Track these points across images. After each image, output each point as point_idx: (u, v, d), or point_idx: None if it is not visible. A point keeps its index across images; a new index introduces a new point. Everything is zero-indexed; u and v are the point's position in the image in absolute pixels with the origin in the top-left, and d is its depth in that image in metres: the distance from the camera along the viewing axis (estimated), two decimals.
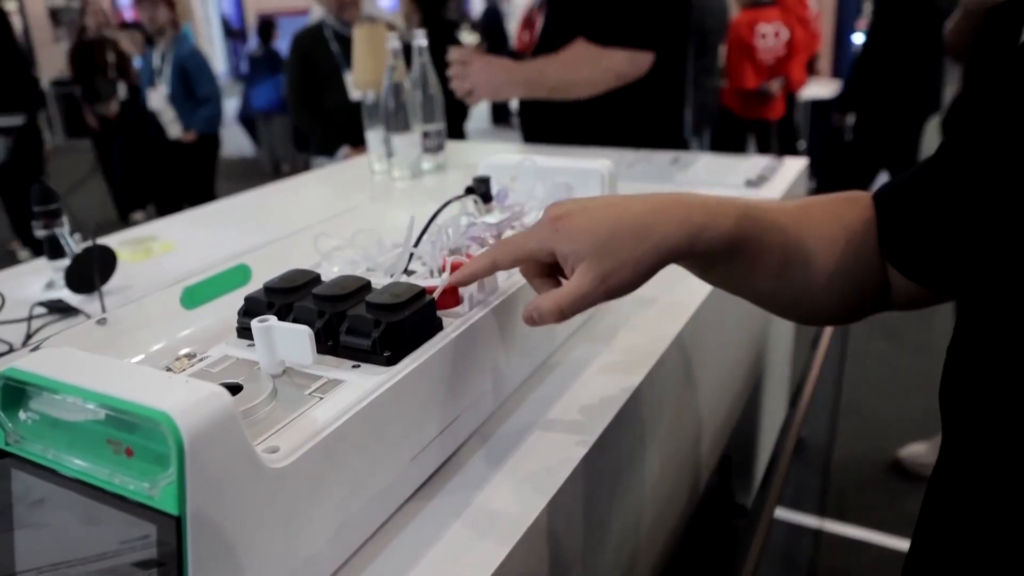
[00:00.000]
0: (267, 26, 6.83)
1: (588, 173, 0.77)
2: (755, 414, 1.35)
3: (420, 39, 1.43)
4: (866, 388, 2.70)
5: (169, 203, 4.05)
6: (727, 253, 0.53)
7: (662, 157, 1.52)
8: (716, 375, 0.98)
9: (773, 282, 0.56)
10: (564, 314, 0.51)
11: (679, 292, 0.86)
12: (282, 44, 6.84)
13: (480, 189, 0.75)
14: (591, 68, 1.62)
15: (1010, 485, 0.38)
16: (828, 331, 1.12)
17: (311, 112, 2.80)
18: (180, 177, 4.07)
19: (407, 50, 1.43)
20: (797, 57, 4.09)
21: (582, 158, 0.80)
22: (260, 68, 6.53)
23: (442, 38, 2.76)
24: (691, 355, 0.84)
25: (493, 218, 0.69)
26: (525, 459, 0.56)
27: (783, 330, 1.51)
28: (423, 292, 0.51)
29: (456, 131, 2.85)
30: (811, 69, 5.47)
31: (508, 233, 0.67)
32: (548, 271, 0.55)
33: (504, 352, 0.60)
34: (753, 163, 1.44)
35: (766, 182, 1.33)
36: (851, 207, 0.58)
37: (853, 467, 2.26)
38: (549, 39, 1.73)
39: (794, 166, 1.44)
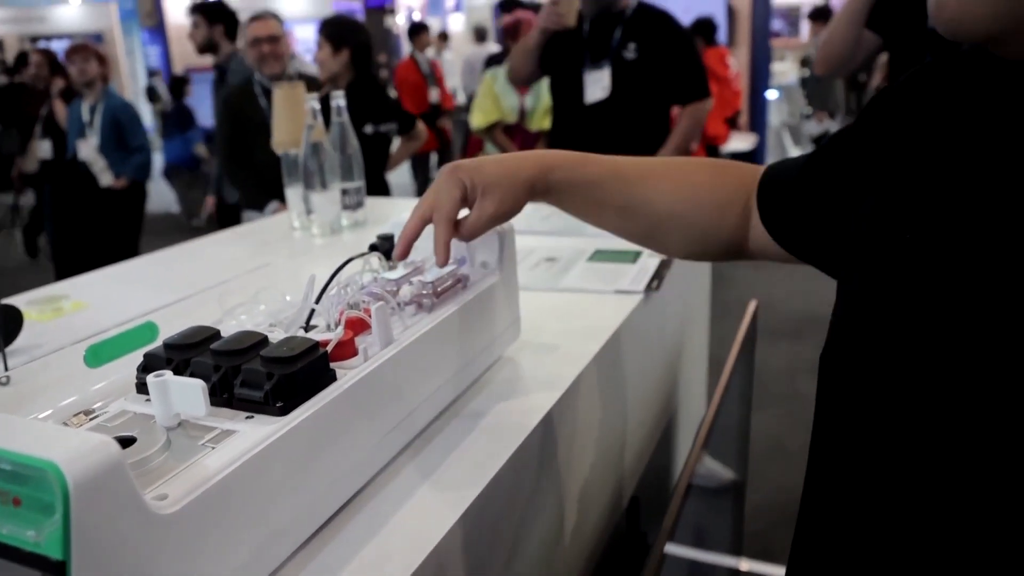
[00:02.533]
0: (178, 82, 6.84)
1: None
2: (668, 454, 1.40)
3: (339, 99, 1.47)
4: (788, 425, 2.79)
5: (95, 256, 3.99)
6: (573, 190, 0.74)
7: None
8: (620, 417, 1.02)
9: (618, 218, 0.77)
10: (469, 232, 0.70)
11: (578, 340, 0.91)
12: (197, 100, 6.85)
13: (384, 246, 0.79)
14: (700, 123, 2.63)
15: (880, 457, 0.45)
16: (728, 368, 1.18)
17: (241, 167, 2.81)
18: (108, 228, 4.02)
19: (327, 110, 1.48)
20: (719, 113, 4.29)
21: None
22: (171, 124, 6.53)
23: (369, 93, 2.82)
24: (591, 399, 0.89)
25: (394, 274, 0.72)
26: (416, 510, 0.59)
27: (695, 367, 1.57)
28: (316, 345, 0.54)
29: (377, 182, 2.89)
30: (732, 124, 5.74)
31: (407, 288, 0.71)
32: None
33: (400, 402, 0.63)
34: None
35: None
36: (717, 174, 0.76)
37: (778, 505, 2.33)
38: (619, 100, 2.49)
39: None
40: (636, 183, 0.75)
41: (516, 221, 1.03)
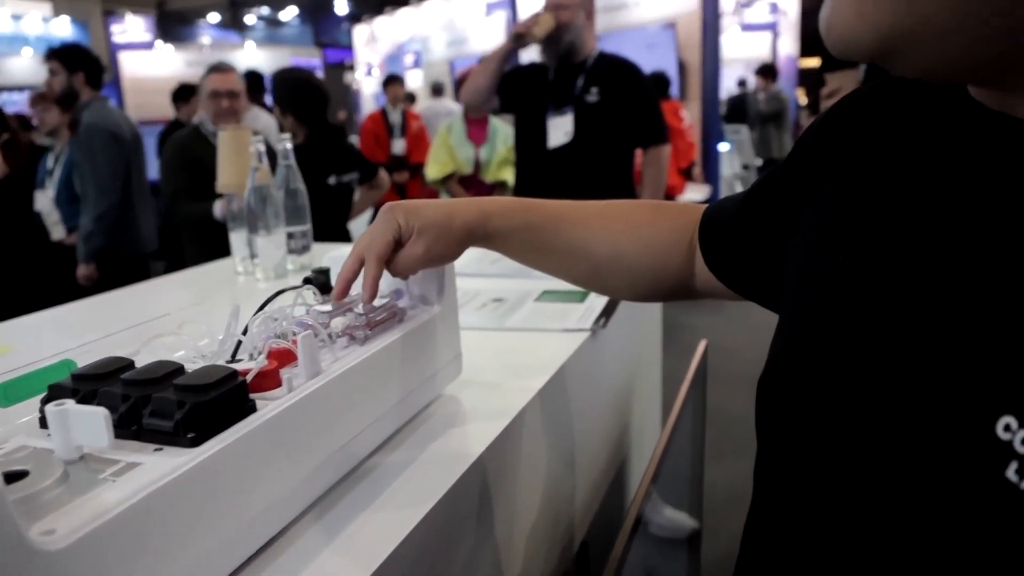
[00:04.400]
0: None
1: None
2: (621, 498, 1.37)
3: (285, 142, 1.46)
4: (749, 474, 2.77)
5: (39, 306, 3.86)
6: (512, 235, 0.75)
7: None
8: (568, 457, 1.00)
9: (561, 262, 0.77)
10: (398, 270, 0.71)
11: (521, 378, 0.89)
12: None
13: (318, 280, 0.77)
14: (664, 170, 2.66)
15: (821, 480, 0.44)
16: (676, 409, 1.16)
17: (189, 216, 2.76)
18: (54, 281, 3.91)
19: (272, 155, 1.46)
20: (674, 165, 4.37)
21: None
22: None
23: (329, 145, 2.81)
24: (535, 437, 0.86)
25: (328, 307, 0.70)
26: (341, 553, 0.56)
27: (649, 409, 1.56)
28: (235, 374, 0.52)
29: (340, 232, 2.87)
30: (688, 175, 5.85)
31: (340, 320, 0.69)
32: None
33: (328, 437, 0.61)
34: None
35: None
36: (659, 214, 0.76)
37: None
38: (582, 144, 2.55)
39: None
40: (577, 226, 0.75)
41: (463, 264, 1.03)
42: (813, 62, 11.68)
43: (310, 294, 0.75)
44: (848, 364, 0.44)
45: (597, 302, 1.20)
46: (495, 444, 0.74)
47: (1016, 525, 0.33)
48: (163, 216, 3.91)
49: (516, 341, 1.04)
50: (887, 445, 0.40)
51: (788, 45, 10.26)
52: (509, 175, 3.78)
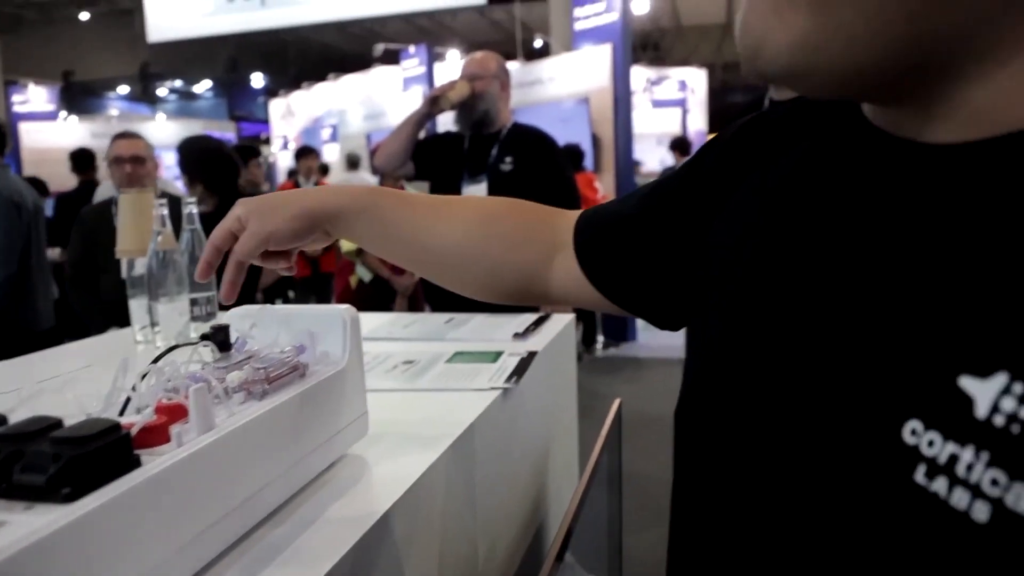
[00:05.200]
0: None
1: (331, 318, 0.79)
2: (537, 561, 1.35)
3: (191, 207, 1.43)
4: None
5: None
6: (359, 217, 0.73)
7: (438, 318, 1.58)
8: (478, 519, 0.98)
9: (408, 249, 0.75)
10: (240, 251, 0.73)
11: (429, 438, 0.88)
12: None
13: (217, 337, 0.75)
14: None
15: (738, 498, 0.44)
16: (588, 470, 1.16)
17: (88, 291, 2.67)
18: None
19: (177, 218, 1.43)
20: None
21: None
22: None
23: None
24: (441, 497, 0.85)
25: (225, 361, 0.68)
26: None
27: (565, 471, 1.55)
28: (117, 427, 0.49)
29: (248, 299, 2.81)
30: None
31: (235, 374, 0.66)
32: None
33: (220, 497, 0.58)
34: (523, 319, 1.53)
35: (533, 334, 1.41)
36: (516, 209, 0.76)
37: None
38: None
39: (561, 319, 1.55)
40: (428, 213, 0.75)
41: (374, 329, 1.00)
42: None
43: (207, 351, 0.73)
44: (759, 384, 0.45)
45: (509, 361, 1.20)
46: (401, 503, 0.72)
47: (928, 526, 0.33)
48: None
49: (425, 401, 1.03)
50: (800, 461, 0.41)
51: (698, 120, 10.79)
52: None
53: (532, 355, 1.23)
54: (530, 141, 2.70)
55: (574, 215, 0.74)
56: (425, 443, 0.85)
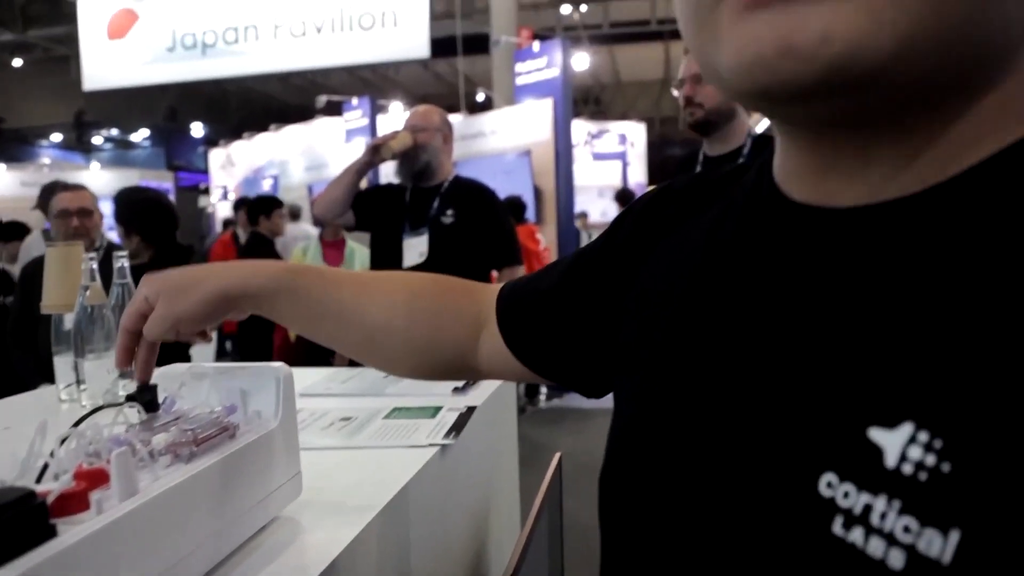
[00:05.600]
0: None
1: (264, 376, 0.77)
2: None
3: (123, 260, 1.40)
4: None
5: None
6: (280, 296, 0.71)
7: (377, 372, 1.56)
8: None
9: (334, 328, 0.73)
10: (148, 335, 0.71)
11: (365, 497, 0.86)
12: None
13: (144, 398, 0.73)
14: None
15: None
16: (528, 526, 1.15)
17: (26, 347, 2.58)
18: None
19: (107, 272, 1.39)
20: None
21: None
22: None
23: (177, 266, 2.70)
24: (378, 559, 0.83)
25: (149, 425, 0.66)
26: None
27: (507, 527, 1.53)
28: (32, 494, 0.47)
29: (183, 358, 2.73)
30: None
31: (161, 436, 0.65)
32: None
33: (144, 566, 0.56)
34: None
35: (472, 388, 1.40)
36: (442, 287, 0.76)
37: None
38: (436, 264, 2.50)
39: None
40: (352, 291, 0.73)
41: (311, 385, 0.98)
42: None
43: (133, 412, 0.71)
44: (678, 446, 0.46)
45: (448, 416, 1.19)
46: (334, 568, 0.70)
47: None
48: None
49: (362, 459, 1.01)
50: (722, 520, 0.41)
51: (638, 173, 11.04)
52: None
53: (471, 410, 1.23)
54: (471, 194, 2.72)
55: (496, 289, 0.75)
56: (360, 503, 0.84)
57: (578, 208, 7.77)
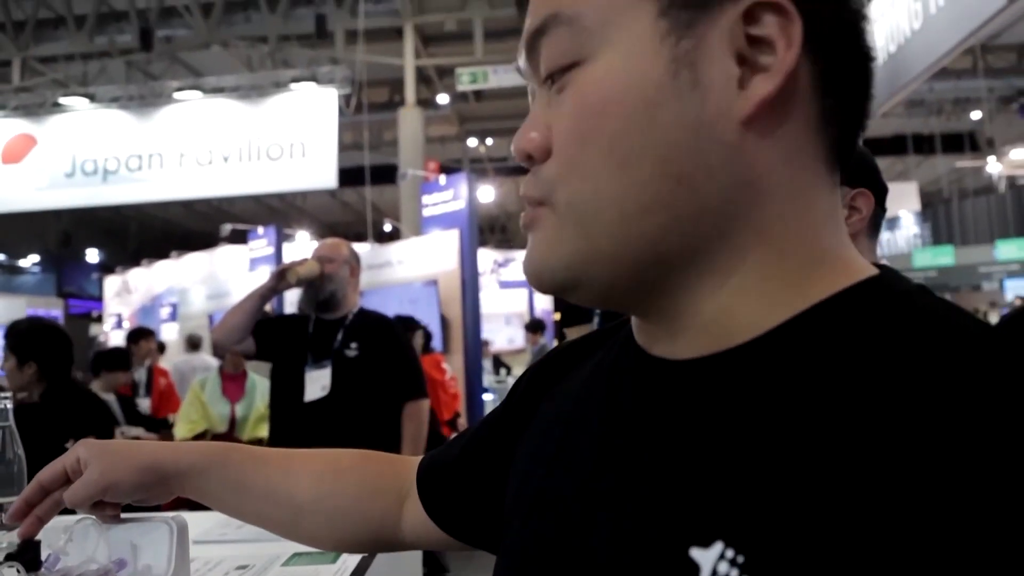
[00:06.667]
0: None
1: (156, 528, 0.75)
2: None
3: (5, 402, 1.33)
4: None
5: None
6: (208, 472, 0.72)
7: None
8: None
9: (260, 505, 0.73)
10: (71, 498, 0.70)
11: None
12: None
13: (25, 555, 0.69)
14: (423, 424, 2.69)
15: None
16: None
17: None
18: None
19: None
20: (441, 417, 4.47)
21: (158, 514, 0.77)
22: None
23: (71, 404, 2.56)
24: None
25: None
26: None
27: None
28: None
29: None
30: (453, 426, 5.93)
31: None
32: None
33: None
34: None
35: None
36: (365, 461, 0.77)
37: None
38: (338, 397, 2.53)
39: None
40: (280, 467, 0.74)
41: (206, 531, 0.95)
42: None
43: (12, 572, 0.67)
44: None
45: (350, 560, 1.15)
46: None
47: None
48: None
49: None
50: None
51: (544, 300, 11.28)
52: (267, 432, 3.65)
53: (373, 553, 1.19)
54: (376, 327, 2.72)
55: (417, 460, 0.76)
56: None
57: (485, 335, 7.85)
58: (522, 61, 0.49)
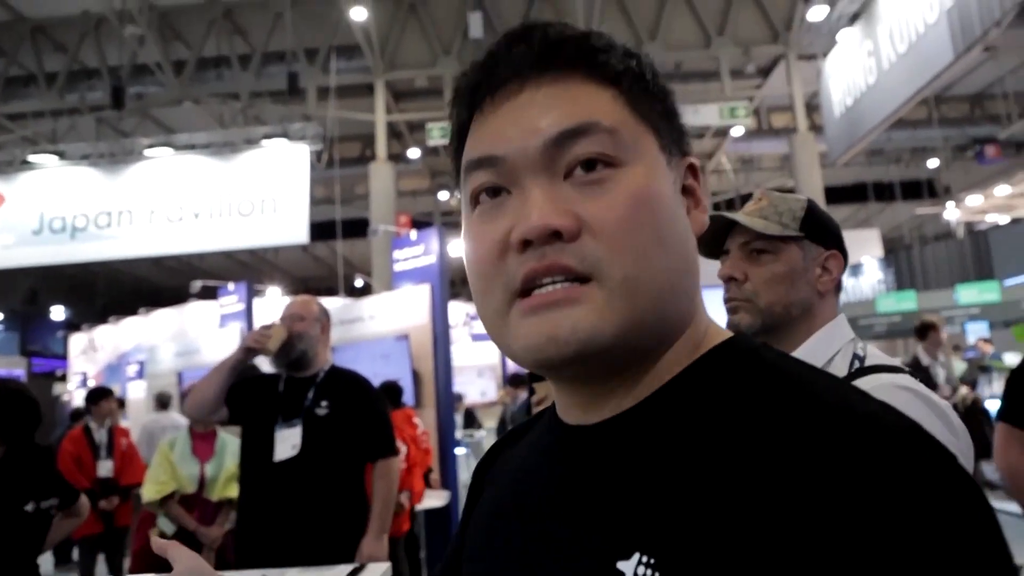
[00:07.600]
0: None
1: None
2: None
3: None
4: None
5: None
6: None
7: (249, 574, 1.51)
8: None
9: None
10: None
11: None
12: None
13: None
14: (394, 482, 2.69)
15: None
16: None
17: None
18: None
19: None
20: (415, 471, 4.44)
21: None
22: None
23: (32, 466, 2.51)
24: None
25: None
26: None
27: None
28: None
29: (29, 569, 2.50)
30: (426, 482, 5.86)
31: None
32: None
33: None
34: (337, 571, 1.49)
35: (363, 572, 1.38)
36: None
37: None
38: (309, 456, 2.53)
39: (377, 568, 1.52)
40: None
41: None
42: None
43: None
44: None
45: None
46: None
47: None
48: None
49: None
50: None
51: None
52: (237, 492, 3.60)
53: None
54: (346, 385, 2.72)
55: None
56: None
57: (457, 387, 7.82)
58: (532, 152, 0.54)
